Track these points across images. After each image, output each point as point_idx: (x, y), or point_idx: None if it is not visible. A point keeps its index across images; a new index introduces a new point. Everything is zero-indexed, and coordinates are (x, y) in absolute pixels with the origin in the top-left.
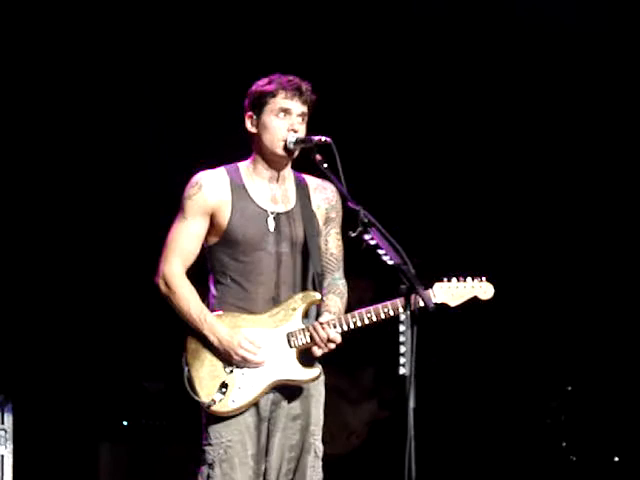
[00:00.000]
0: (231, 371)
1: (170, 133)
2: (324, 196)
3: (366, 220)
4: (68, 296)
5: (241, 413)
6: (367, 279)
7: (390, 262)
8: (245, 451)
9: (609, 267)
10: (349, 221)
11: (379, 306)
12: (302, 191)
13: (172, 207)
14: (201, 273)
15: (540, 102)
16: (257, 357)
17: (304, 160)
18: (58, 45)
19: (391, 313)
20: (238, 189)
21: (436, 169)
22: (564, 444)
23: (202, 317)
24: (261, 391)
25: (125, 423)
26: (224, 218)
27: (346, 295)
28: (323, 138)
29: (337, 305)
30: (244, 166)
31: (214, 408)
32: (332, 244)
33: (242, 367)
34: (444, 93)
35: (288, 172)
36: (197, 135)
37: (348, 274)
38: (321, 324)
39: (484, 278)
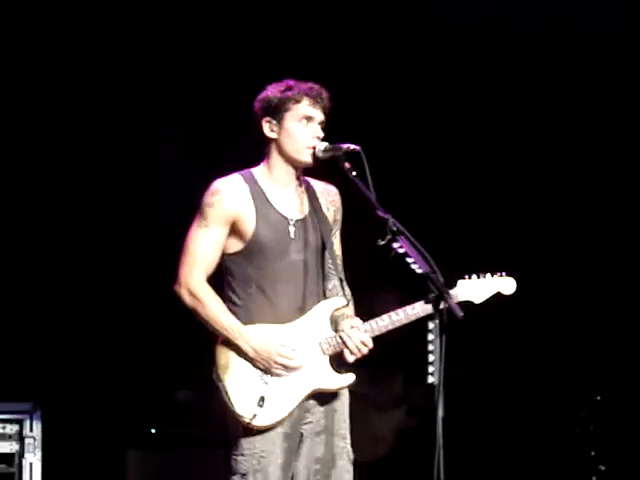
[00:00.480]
0: (267, 383)
1: (179, 139)
2: (330, 199)
3: (395, 228)
4: (97, 304)
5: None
6: (392, 287)
7: (419, 270)
8: (276, 460)
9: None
10: (377, 229)
11: (407, 307)
12: (311, 195)
13: (187, 213)
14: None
15: (557, 100)
16: (295, 362)
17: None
18: (72, 53)
19: (420, 314)
20: (259, 196)
21: (457, 173)
22: (593, 453)
23: (234, 327)
24: (300, 401)
25: (153, 431)
26: (249, 226)
27: (351, 297)
28: (352, 146)
29: (351, 309)
30: (258, 172)
31: (255, 422)
32: (337, 246)
33: (278, 377)
34: (466, 100)
35: (301, 177)
36: (207, 140)
37: (374, 282)
38: (353, 329)
39: (504, 273)
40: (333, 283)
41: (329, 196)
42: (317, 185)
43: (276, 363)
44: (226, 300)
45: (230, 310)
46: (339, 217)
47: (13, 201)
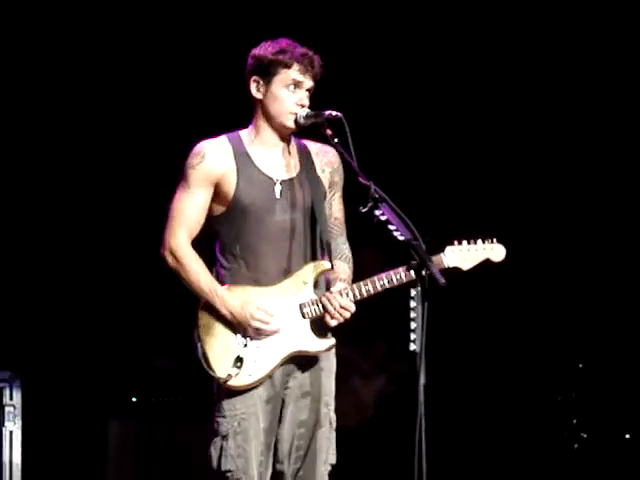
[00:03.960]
0: (245, 345)
1: (163, 104)
2: (327, 160)
3: (377, 195)
4: (77, 272)
5: (255, 386)
6: (377, 250)
7: (401, 238)
8: (258, 423)
9: (622, 242)
10: (360, 196)
11: (391, 272)
12: (305, 156)
13: (175, 179)
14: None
15: (542, 73)
16: (271, 326)
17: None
18: (57, 44)
19: (404, 279)
20: (242, 157)
21: (441, 142)
22: (575, 421)
23: (213, 290)
24: (277, 363)
25: (134, 399)
26: (230, 187)
27: (352, 259)
28: (334, 113)
29: (346, 271)
30: (246, 134)
31: (230, 383)
32: (336, 208)
33: (257, 339)
34: (449, 68)
35: (290, 139)
36: (190, 105)
37: (359, 245)
38: (334, 293)
39: (494, 240)
40: (335, 244)
41: (325, 157)
42: (313, 146)
43: (250, 326)
44: (215, 263)
45: (218, 273)
46: (337, 179)
47: None
